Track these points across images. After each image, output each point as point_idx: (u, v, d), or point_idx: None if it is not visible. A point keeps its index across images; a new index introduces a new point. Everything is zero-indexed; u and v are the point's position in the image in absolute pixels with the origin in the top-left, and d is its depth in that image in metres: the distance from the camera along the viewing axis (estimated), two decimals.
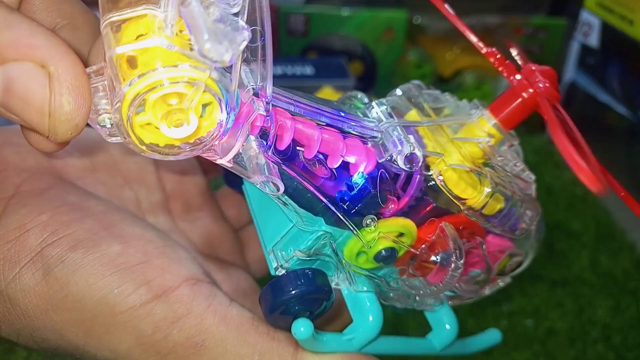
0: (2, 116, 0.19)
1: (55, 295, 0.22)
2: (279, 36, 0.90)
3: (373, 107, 0.27)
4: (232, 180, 0.32)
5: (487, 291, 0.31)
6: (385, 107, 0.27)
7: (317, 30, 0.91)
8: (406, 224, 0.26)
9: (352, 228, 0.25)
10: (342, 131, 0.25)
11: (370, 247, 0.25)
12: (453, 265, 0.25)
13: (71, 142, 0.29)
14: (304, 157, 0.24)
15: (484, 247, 0.28)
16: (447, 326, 0.29)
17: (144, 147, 0.20)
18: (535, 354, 0.57)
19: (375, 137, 0.25)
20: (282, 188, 0.22)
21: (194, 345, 0.23)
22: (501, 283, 0.32)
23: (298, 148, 0.24)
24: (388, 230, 0.25)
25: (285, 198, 0.23)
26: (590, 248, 0.70)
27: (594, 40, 0.79)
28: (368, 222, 0.25)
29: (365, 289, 0.27)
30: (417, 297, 0.29)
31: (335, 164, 0.24)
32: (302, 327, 0.24)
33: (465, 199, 0.25)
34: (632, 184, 0.80)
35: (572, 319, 0.61)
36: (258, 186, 0.22)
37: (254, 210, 0.28)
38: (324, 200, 0.24)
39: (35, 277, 0.22)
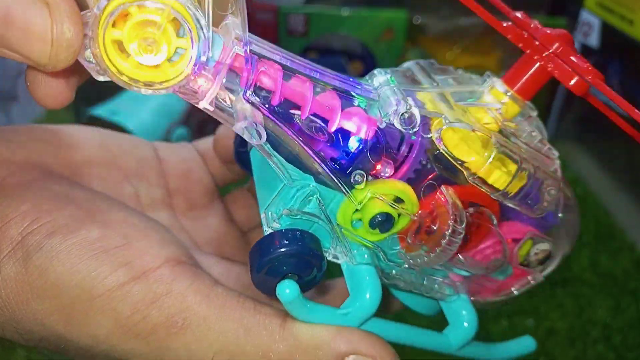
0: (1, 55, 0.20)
1: (35, 283, 0.22)
2: (279, 36, 0.90)
3: (375, 75, 0.26)
4: (243, 159, 0.31)
5: (515, 290, 0.29)
6: (389, 75, 0.26)
7: (317, 30, 0.91)
8: (402, 187, 0.24)
9: (339, 184, 0.24)
10: (336, 90, 0.24)
11: (361, 205, 0.24)
12: (451, 228, 0.24)
13: (66, 139, 0.29)
14: (275, 104, 0.23)
15: (494, 222, 0.26)
16: (466, 324, 0.27)
17: (123, 77, 0.20)
18: (535, 353, 0.57)
19: (374, 99, 0.24)
20: (264, 135, 0.22)
21: (174, 325, 0.22)
22: (532, 281, 0.29)
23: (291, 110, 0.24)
24: (381, 192, 0.24)
25: (269, 147, 0.23)
26: (590, 248, 0.70)
27: (594, 40, 0.78)
28: (357, 178, 0.24)
29: (365, 256, 0.25)
30: (424, 281, 0.27)
31: (303, 115, 0.23)
32: (287, 288, 0.23)
33: (465, 162, 0.24)
34: (632, 184, 0.80)
35: (572, 319, 0.61)
36: (243, 135, 0.22)
37: (255, 184, 0.27)
38: (311, 153, 0.23)
39: (15, 266, 0.22)
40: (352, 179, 0.24)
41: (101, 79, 0.21)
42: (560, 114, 0.89)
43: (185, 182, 0.33)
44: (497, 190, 0.25)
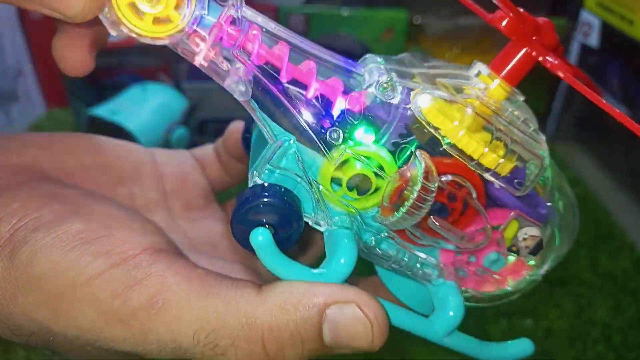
0: (35, 9, 0.23)
1: (21, 278, 0.23)
2: None
3: (367, 59, 0.27)
4: (249, 145, 0.32)
5: (510, 287, 0.29)
6: (381, 60, 0.27)
7: (317, 30, 0.91)
8: (378, 150, 0.25)
9: (317, 141, 0.25)
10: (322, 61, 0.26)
11: (338, 163, 0.25)
12: (420, 184, 0.24)
13: (61, 145, 0.29)
14: (256, 65, 0.25)
15: (474, 195, 0.26)
16: (451, 312, 0.27)
17: (130, 28, 0.22)
18: (535, 354, 0.57)
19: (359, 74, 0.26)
20: (249, 91, 0.24)
21: (154, 306, 0.22)
22: (527, 276, 0.29)
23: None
24: (358, 152, 0.25)
25: (254, 103, 0.25)
26: (590, 248, 0.70)
27: (594, 40, 0.79)
28: (332, 135, 0.25)
29: (346, 222, 0.26)
30: (405, 256, 0.27)
31: (283, 78, 0.25)
32: (260, 235, 0.24)
33: (440, 128, 0.24)
34: (632, 184, 0.80)
35: (572, 319, 0.61)
36: (233, 92, 0.24)
37: (249, 162, 0.28)
38: (292, 109, 0.24)
39: (3, 262, 0.23)
40: (328, 136, 0.25)
41: (114, 33, 0.23)
42: (560, 114, 0.89)
43: (182, 185, 0.34)
44: (472, 159, 0.25)
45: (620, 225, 0.74)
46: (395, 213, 0.25)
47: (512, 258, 0.29)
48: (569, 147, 0.88)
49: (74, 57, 0.26)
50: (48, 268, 0.23)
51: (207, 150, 0.36)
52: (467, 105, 0.25)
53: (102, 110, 0.73)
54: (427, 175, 0.24)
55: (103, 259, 0.23)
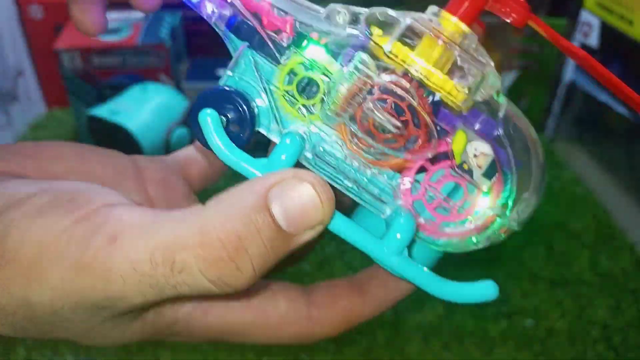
0: None
1: None
2: None
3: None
4: None
5: (469, 219, 0.28)
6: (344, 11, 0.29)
7: None
8: (327, 59, 0.27)
9: (271, 46, 0.27)
10: None
11: (285, 62, 0.27)
12: (353, 64, 0.26)
13: (47, 153, 0.31)
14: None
15: (414, 96, 0.26)
16: (398, 235, 0.27)
17: None
18: (535, 354, 0.57)
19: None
20: (217, 14, 0.27)
21: (112, 241, 0.23)
22: (489, 211, 0.28)
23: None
24: (307, 58, 0.27)
25: (222, 25, 0.27)
26: (590, 248, 0.70)
27: (594, 40, 0.79)
28: (284, 38, 0.27)
29: (298, 129, 0.28)
30: (352, 167, 0.28)
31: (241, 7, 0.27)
32: (208, 116, 0.26)
33: (377, 41, 0.26)
34: (632, 184, 0.80)
35: (572, 319, 0.61)
36: (206, 9, 0.27)
37: None
38: (256, 24, 0.27)
39: None
40: (279, 41, 0.27)
41: None
42: (560, 114, 0.89)
43: (164, 188, 0.35)
44: (405, 63, 0.26)
45: (620, 225, 0.74)
46: (330, 93, 0.26)
47: (473, 191, 0.28)
48: (569, 147, 0.88)
49: (93, 19, 0.30)
50: (19, 238, 0.23)
51: (188, 150, 0.37)
52: (407, 17, 0.26)
53: (102, 110, 0.73)
54: (364, 65, 0.26)
55: (67, 218, 0.24)
